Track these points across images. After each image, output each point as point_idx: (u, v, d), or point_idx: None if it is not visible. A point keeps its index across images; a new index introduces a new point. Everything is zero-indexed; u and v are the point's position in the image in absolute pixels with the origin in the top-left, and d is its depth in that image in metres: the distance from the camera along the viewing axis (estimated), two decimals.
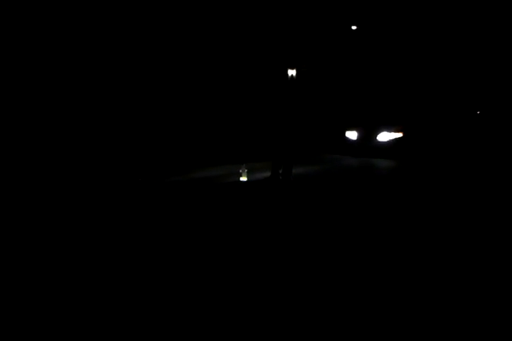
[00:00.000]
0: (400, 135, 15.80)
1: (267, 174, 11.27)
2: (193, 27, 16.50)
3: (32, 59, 13.48)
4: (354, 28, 19.65)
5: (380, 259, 5.66)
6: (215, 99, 16.58)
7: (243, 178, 10.92)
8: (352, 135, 16.30)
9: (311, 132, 17.53)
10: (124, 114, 14.34)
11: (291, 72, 11.44)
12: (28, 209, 7.85)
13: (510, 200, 9.16)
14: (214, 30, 16.96)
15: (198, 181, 10.71)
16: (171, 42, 15.99)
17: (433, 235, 6.72)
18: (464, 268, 5.41)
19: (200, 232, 6.67)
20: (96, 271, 5.12)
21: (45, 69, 13.65)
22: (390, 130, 15.79)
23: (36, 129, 12.90)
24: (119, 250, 5.84)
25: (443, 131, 17.24)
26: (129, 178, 10.67)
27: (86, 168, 11.45)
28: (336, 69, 19.52)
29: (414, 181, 11.54)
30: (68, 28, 13.99)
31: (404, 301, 4.54)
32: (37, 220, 7.18)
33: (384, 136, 15.79)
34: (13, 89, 13.10)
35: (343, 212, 8.07)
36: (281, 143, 11.20)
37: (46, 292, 4.63)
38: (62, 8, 13.86)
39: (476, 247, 6.18)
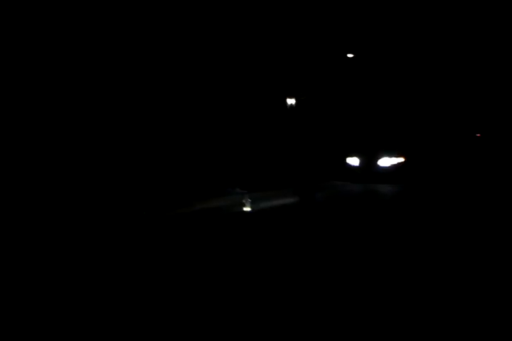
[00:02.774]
0: (401, 159, 15.75)
1: (271, 203, 11.21)
2: (191, 56, 16.60)
3: (32, 59, 13.36)
4: (350, 56, 19.79)
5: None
6: (214, 127, 16.57)
7: (247, 208, 10.84)
8: (353, 161, 16.25)
9: (311, 159, 17.49)
10: (123, 139, 14.28)
11: (291, 101, 11.53)
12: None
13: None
14: (215, 60, 17.05)
15: (203, 213, 10.62)
16: (167, 66, 16.00)
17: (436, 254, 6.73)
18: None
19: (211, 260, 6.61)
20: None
21: (44, 70, 13.52)
22: (391, 155, 15.74)
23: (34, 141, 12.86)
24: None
25: (444, 154, 17.20)
26: (133, 211, 10.58)
27: (87, 202, 11.37)
28: (335, 97, 19.56)
29: (418, 205, 11.45)
30: (68, 28, 13.89)
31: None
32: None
33: (385, 161, 15.73)
34: (12, 90, 12.98)
35: (350, 236, 8.02)
36: (302, 170, 11.25)
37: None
38: (62, 8, 13.80)
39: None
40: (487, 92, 20.04)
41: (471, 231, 8.42)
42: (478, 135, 20.03)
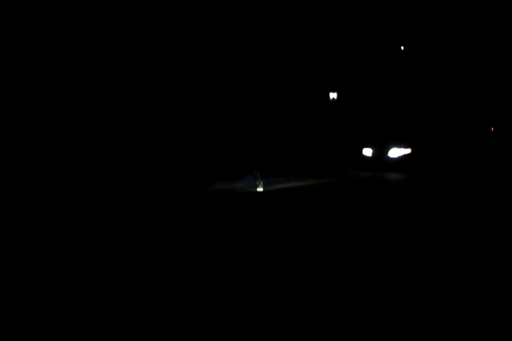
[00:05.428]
0: (409, 151, 17.39)
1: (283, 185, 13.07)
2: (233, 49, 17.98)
3: (32, 59, 13.91)
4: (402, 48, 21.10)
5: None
6: (242, 114, 18.08)
7: (259, 189, 12.70)
8: (367, 152, 17.95)
9: (332, 149, 19.37)
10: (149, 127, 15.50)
11: (333, 95, 12.99)
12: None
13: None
14: (255, 58, 18.41)
15: (221, 192, 12.40)
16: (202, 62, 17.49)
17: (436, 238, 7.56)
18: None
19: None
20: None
21: (45, 69, 14.07)
22: (400, 147, 17.38)
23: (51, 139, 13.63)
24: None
25: (454, 147, 18.64)
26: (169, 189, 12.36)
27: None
28: (356, 95, 21.26)
29: (420, 194, 12.62)
30: (68, 28, 14.42)
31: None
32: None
33: (395, 152, 17.39)
34: (13, 89, 13.57)
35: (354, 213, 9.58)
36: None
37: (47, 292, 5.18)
38: (62, 8, 14.25)
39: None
40: (501, 87, 21.15)
41: (472, 226, 8.61)
42: (492, 129, 21.27)
